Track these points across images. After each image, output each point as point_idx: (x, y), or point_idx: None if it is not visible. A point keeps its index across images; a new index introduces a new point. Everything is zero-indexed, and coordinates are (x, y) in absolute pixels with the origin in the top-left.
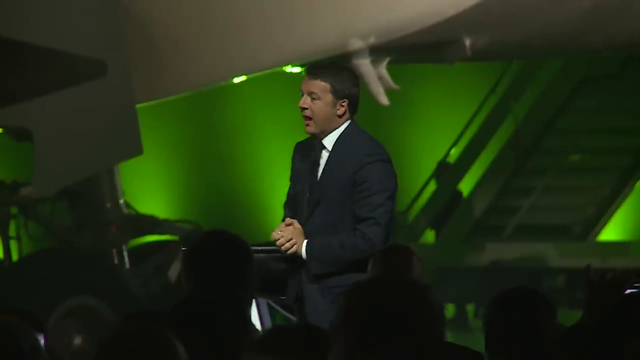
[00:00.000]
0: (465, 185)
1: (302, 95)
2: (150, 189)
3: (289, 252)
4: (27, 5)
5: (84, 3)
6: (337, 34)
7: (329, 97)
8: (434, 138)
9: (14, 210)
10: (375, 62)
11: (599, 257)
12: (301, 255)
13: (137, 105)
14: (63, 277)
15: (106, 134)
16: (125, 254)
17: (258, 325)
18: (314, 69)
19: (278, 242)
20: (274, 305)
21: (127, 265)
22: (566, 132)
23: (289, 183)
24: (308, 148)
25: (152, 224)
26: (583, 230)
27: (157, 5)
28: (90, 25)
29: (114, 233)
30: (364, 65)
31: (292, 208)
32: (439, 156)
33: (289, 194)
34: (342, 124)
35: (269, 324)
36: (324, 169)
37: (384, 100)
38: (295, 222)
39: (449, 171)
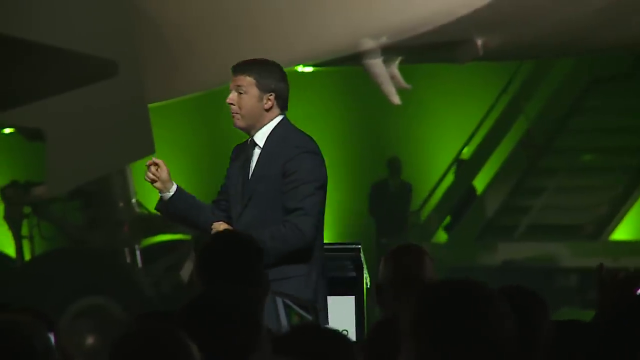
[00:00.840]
0: (477, 185)
1: (231, 92)
2: None
3: None
4: (39, 5)
5: (95, 3)
6: (349, 33)
7: (254, 91)
8: (446, 138)
9: (26, 209)
10: (387, 61)
11: (612, 256)
12: None
13: (149, 105)
14: (75, 276)
15: (118, 133)
16: (137, 253)
17: (275, 324)
18: (240, 65)
19: None
20: (290, 303)
21: (139, 265)
22: (578, 132)
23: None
24: (243, 148)
25: (164, 223)
26: (595, 229)
27: (169, 4)
28: (102, 25)
29: (126, 232)
30: (376, 64)
31: (224, 207)
32: (450, 156)
33: (219, 193)
34: (272, 119)
35: (285, 322)
36: (255, 166)
37: (396, 99)
38: (218, 224)
39: (460, 171)
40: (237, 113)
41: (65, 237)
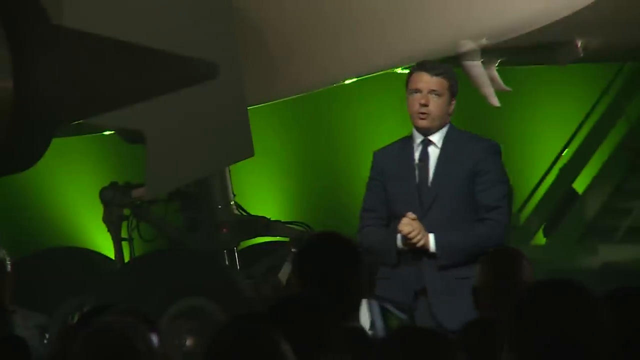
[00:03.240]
0: (578, 187)
1: (417, 92)
2: (261, 190)
3: (417, 245)
4: (139, 7)
5: (196, 4)
6: (449, 35)
7: (447, 95)
8: (545, 139)
9: (126, 211)
10: (486, 63)
11: None
12: (428, 249)
13: (249, 107)
14: (174, 278)
15: (218, 135)
16: (237, 255)
17: (370, 327)
18: (435, 67)
19: (410, 235)
20: (387, 306)
21: (238, 267)
22: None
23: (371, 191)
24: (398, 151)
25: (262, 225)
26: None
27: (269, 5)
28: (203, 27)
29: (225, 234)
30: (476, 66)
31: (391, 209)
32: (550, 158)
33: (372, 200)
34: (448, 122)
35: (380, 325)
36: (437, 164)
37: (495, 101)
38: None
39: (561, 173)
40: (428, 114)
41: (165, 239)
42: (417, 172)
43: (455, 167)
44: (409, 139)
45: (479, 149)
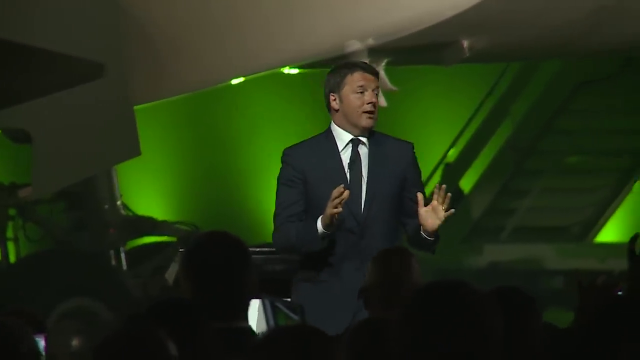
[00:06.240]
0: (464, 187)
1: (365, 91)
2: (147, 190)
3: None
4: (26, 7)
5: (81, 5)
6: (336, 35)
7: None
8: (432, 140)
9: (12, 211)
10: (373, 63)
11: (597, 258)
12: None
13: (135, 107)
14: (60, 278)
15: (104, 135)
16: (123, 255)
17: (263, 326)
18: (372, 66)
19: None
20: (278, 305)
21: (125, 267)
22: (564, 133)
23: (291, 187)
24: (319, 152)
25: (150, 225)
26: (581, 231)
27: (155, 5)
28: (88, 27)
29: (112, 234)
30: None
31: (317, 213)
32: (436, 158)
33: (294, 197)
34: None
35: (272, 324)
36: (371, 164)
37: (382, 101)
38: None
39: (446, 172)
40: (375, 113)
41: (51, 239)
42: (348, 173)
43: (386, 168)
44: (326, 137)
45: (406, 150)
